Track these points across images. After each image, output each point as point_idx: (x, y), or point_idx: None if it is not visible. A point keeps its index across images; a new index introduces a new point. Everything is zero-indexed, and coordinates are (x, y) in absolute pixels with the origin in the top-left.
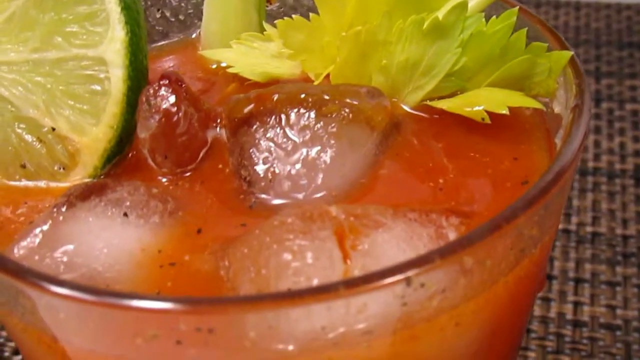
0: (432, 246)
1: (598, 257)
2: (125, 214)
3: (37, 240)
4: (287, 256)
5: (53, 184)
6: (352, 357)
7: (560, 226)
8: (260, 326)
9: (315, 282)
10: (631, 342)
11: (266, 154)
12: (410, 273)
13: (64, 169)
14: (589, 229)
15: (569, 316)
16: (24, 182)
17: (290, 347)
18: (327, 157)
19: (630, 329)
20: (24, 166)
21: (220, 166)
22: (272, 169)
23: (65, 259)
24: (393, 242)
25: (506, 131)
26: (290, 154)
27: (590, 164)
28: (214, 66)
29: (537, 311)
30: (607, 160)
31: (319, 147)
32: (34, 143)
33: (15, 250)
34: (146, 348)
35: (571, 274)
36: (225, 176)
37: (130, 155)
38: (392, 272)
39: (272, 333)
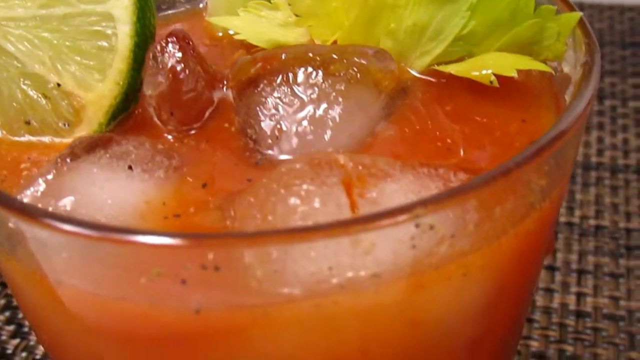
0: None
1: (601, 250)
2: (130, 167)
3: (41, 189)
4: (294, 201)
5: (57, 140)
6: (358, 302)
7: (563, 219)
8: (266, 265)
9: None
10: (635, 333)
11: (273, 111)
12: (419, 212)
13: (68, 125)
14: (592, 222)
15: (572, 307)
16: (27, 138)
17: (296, 291)
18: (334, 114)
19: (634, 320)
20: (28, 122)
21: (226, 125)
22: (278, 127)
23: (68, 208)
24: (401, 192)
25: (514, 95)
26: (297, 112)
27: (594, 159)
28: (221, 34)
29: (539, 302)
30: (610, 156)
31: (326, 105)
32: (39, 99)
33: (18, 198)
34: (150, 288)
35: (574, 266)
36: (231, 135)
37: (135, 113)
38: (402, 210)
39: (278, 273)
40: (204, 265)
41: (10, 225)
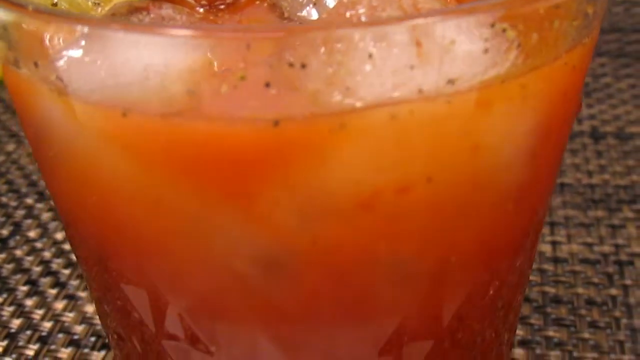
0: None
1: (569, 204)
2: None
3: (74, 53)
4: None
5: None
6: (432, 114)
7: None
8: (352, 60)
9: None
10: (612, 273)
11: None
12: (494, 11)
13: (98, 4)
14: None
15: (549, 254)
16: None
17: (375, 96)
18: None
19: (609, 262)
20: (55, 4)
21: (257, 2)
22: None
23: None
24: None
25: None
26: None
27: None
28: None
29: None
30: None
31: None
32: None
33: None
34: (230, 98)
35: (545, 219)
36: (264, 9)
37: None
38: (479, 8)
39: (362, 72)
40: (291, 62)
41: (77, 43)
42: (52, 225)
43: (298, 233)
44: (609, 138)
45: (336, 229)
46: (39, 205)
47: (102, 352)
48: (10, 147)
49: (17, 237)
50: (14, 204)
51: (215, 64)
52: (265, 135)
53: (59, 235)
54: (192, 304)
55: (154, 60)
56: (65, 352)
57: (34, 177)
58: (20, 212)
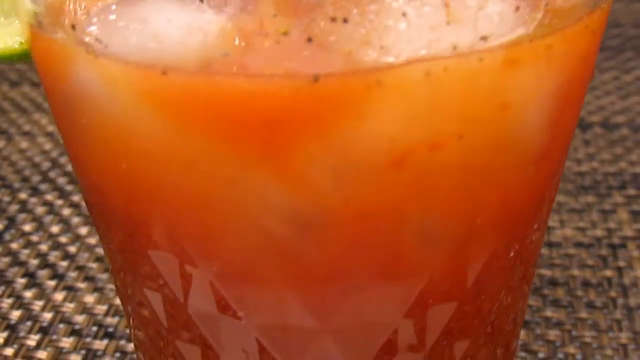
0: None
1: (560, 190)
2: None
3: (113, 13)
4: None
5: None
6: (464, 68)
7: None
8: (391, 16)
9: None
10: (606, 255)
11: None
12: None
13: None
14: None
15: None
16: None
17: (411, 52)
18: None
19: (602, 245)
20: None
21: None
22: None
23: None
24: None
25: None
26: None
27: None
28: None
29: None
30: None
31: None
32: None
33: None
34: (272, 53)
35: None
36: None
37: None
38: None
39: (399, 28)
40: (334, 17)
41: (116, 3)
42: (47, 219)
43: (331, 192)
44: (596, 128)
45: (368, 188)
46: (33, 200)
47: (105, 341)
48: (1, 143)
49: (13, 231)
50: (7, 199)
51: (258, 19)
52: (305, 91)
53: (55, 229)
54: (222, 268)
55: (194, 17)
56: (67, 342)
57: (26, 173)
58: (14, 207)
